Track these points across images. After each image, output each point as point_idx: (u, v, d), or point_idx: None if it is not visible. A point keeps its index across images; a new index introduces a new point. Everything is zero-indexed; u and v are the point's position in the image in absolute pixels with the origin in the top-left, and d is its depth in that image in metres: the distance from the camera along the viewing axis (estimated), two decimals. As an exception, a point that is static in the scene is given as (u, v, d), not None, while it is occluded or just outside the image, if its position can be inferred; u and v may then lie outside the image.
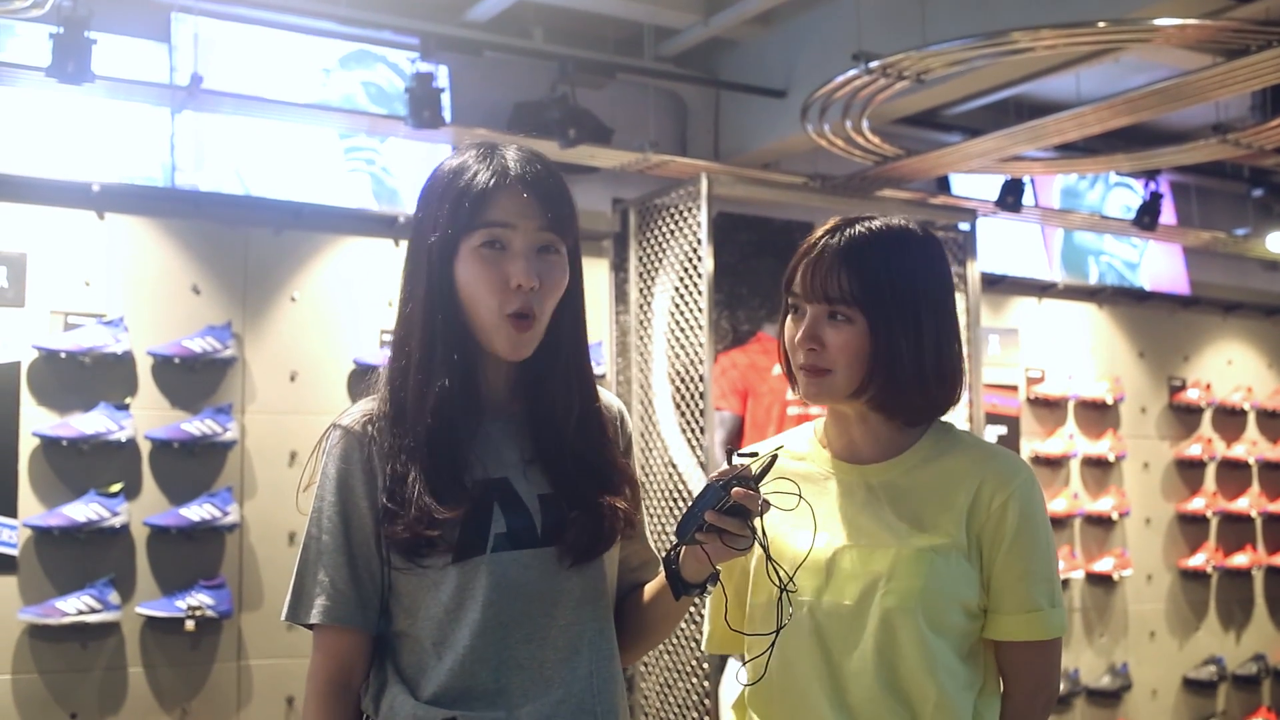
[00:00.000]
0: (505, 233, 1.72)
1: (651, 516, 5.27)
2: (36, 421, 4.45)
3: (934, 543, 1.80)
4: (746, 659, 1.88)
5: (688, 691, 5.08)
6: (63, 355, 4.46)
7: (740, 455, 1.70)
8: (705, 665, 4.94)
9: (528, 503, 1.75)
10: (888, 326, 1.81)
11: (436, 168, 1.80)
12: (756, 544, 1.69)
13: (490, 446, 1.77)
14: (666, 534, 5.20)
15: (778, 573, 1.76)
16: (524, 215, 1.73)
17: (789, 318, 1.89)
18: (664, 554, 1.79)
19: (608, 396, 1.93)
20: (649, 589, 1.89)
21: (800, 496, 1.75)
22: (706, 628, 2.03)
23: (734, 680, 4.78)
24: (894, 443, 1.89)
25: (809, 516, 1.81)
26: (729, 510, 1.65)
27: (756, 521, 1.68)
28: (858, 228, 1.86)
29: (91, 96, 4.53)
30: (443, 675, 1.71)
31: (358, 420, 1.77)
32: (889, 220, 1.89)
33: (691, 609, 4.98)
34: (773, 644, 1.80)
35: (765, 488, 1.67)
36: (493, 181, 1.72)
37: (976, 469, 1.84)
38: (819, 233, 1.88)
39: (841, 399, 1.86)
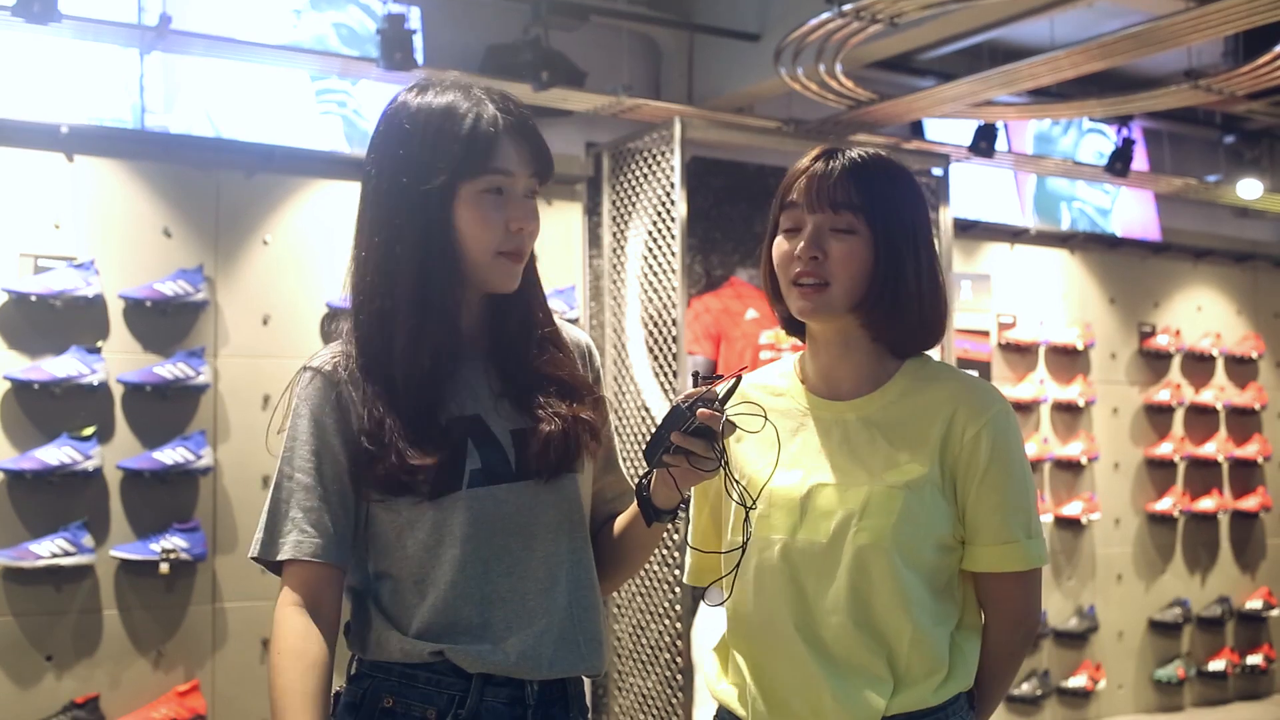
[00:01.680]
0: (506, 180, 1.76)
1: (625, 460, 5.27)
2: (8, 365, 4.43)
3: (907, 478, 1.81)
4: (721, 586, 1.90)
5: (660, 633, 5.13)
6: (33, 299, 4.44)
7: (704, 379, 1.71)
8: (678, 607, 4.99)
9: (500, 438, 1.78)
10: (890, 241, 1.83)
11: (410, 103, 1.78)
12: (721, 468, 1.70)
13: (463, 384, 1.80)
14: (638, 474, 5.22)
15: (739, 491, 1.78)
16: (521, 164, 1.77)
17: (780, 238, 1.88)
18: (635, 482, 1.82)
19: (575, 332, 1.97)
20: (622, 518, 1.92)
21: (765, 419, 1.76)
22: (689, 561, 2.05)
23: (708, 622, 4.83)
24: (872, 376, 1.89)
25: (778, 450, 1.82)
26: (694, 431, 1.66)
27: (728, 447, 1.70)
28: (855, 151, 1.87)
29: (59, 37, 4.48)
30: (426, 612, 1.74)
31: (328, 361, 1.79)
32: (878, 150, 1.91)
33: (665, 552, 5.03)
34: (737, 564, 1.81)
35: (730, 411, 1.69)
36: (496, 130, 1.75)
37: (950, 401, 1.84)
38: (811, 155, 1.88)
39: (839, 314, 1.85)
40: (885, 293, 1.83)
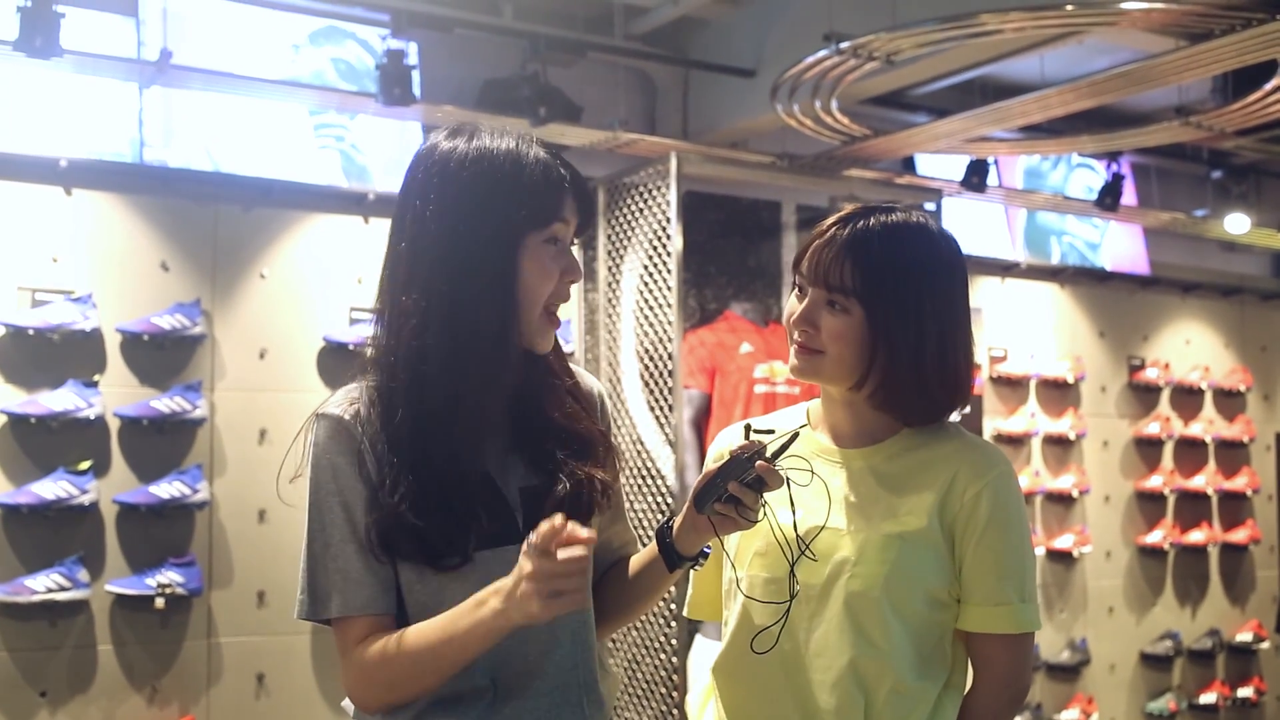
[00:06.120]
0: (564, 229, 1.75)
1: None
2: (4, 398, 4.41)
3: (903, 529, 1.82)
4: (734, 622, 1.91)
5: (656, 666, 5.12)
6: (30, 332, 4.43)
7: (757, 431, 1.73)
8: (674, 641, 4.98)
9: (509, 497, 1.74)
10: (885, 320, 1.82)
11: (464, 150, 1.73)
12: (767, 519, 1.72)
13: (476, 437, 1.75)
14: (636, 511, 5.23)
15: (794, 545, 1.79)
16: (574, 213, 1.76)
17: (793, 294, 1.92)
18: (657, 526, 1.83)
19: (588, 379, 1.94)
20: (635, 562, 1.90)
21: (814, 473, 1.78)
22: (690, 593, 2.06)
23: (704, 656, 4.83)
24: (880, 429, 1.91)
25: (828, 504, 1.84)
26: (748, 483, 1.68)
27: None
28: (871, 220, 1.86)
29: (59, 71, 4.49)
30: None
31: (344, 407, 1.73)
32: (906, 215, 1.88)
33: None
34: (786, 613, 1.82)
35: (778, 464, 1.70)
36: (564, 179, 1.74)
37: (954, 459, 1.85)
38: (834, 218, 1.90)
39: (828, 381, 1.89)
40: (882, 373, 1.84)
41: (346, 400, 1.75)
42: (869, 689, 1.81)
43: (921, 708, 1.83)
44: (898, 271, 1.83)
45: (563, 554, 1.53)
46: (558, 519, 1.54)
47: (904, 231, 1.86)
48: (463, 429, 1.69)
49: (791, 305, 1.91)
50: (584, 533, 1.54)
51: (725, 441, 1.99)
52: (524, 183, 1.71)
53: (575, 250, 1.83)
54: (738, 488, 1.68)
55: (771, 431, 1.72)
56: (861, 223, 1.86)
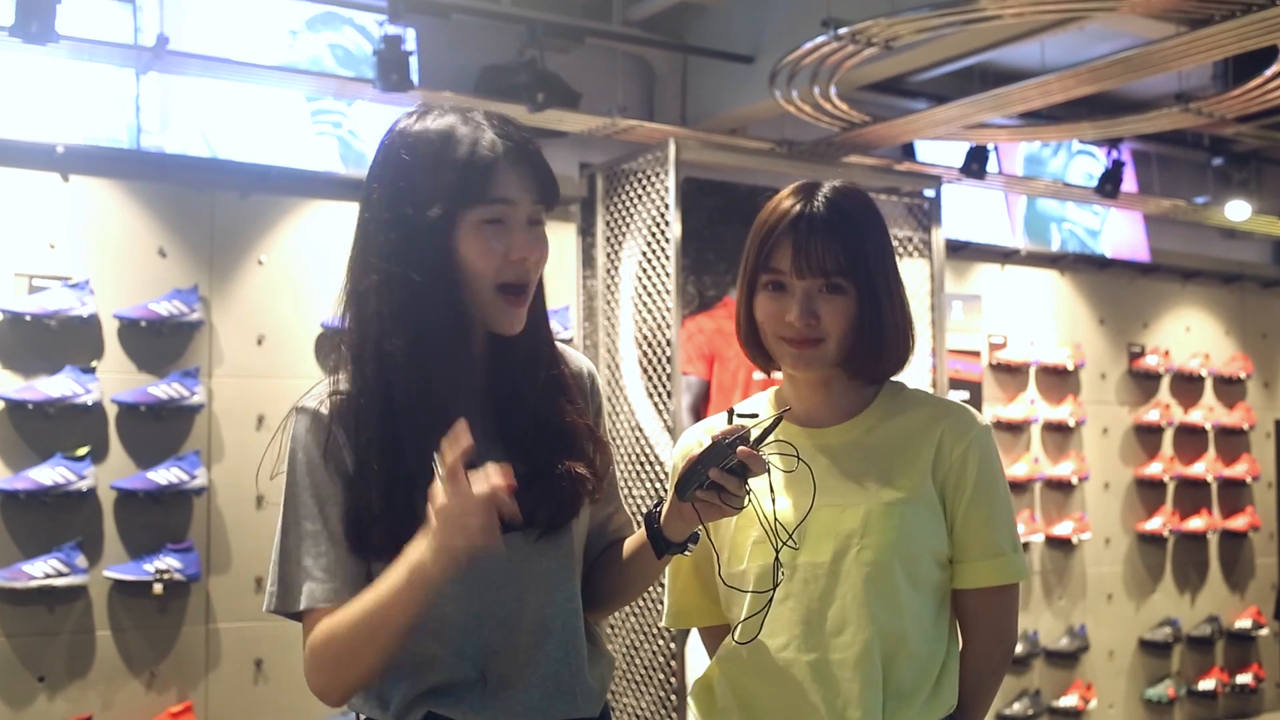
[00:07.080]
0: (507, 209, 1.70)
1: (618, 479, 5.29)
2: (2, 385, 4.42)
3: (902, 495, 1.84)
4: (740, 619, 1.89)
5: (654, 654, 5.13)
6: (28, 318, 4.43)
7: (741, 416, 1.71)
8: (672, 628, 4.98)
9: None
10: (872, 292, 1.87)
11: (408, 131, 1.73)
12: (752, 506, 1.71)
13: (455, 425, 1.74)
14: (633, 498, 5.23)
15: (776, 533, 1.79)
16: (522, 190, 1.70)
17: (764, 294, 1.89)
18: (645, 512, 1.82)
19: (577, 359, 1.91)
20: (627, 546, 1.88)
21: (799, 459, 1.78)
22: (666, 602, 2.05)
23: (700, 646, 4.83)
24: (851, 405, 1.93)
25: (813, 489, 1.83)
26: (730, 469, 1.66)
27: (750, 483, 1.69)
28: (821, 197, 1.89)
29: (56, 57, 4.48)
30: (423, 667, 1.70)
31: (321, 401, 1.72)
32: (844, 185, 1.92)
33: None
34: (769, 604, 1.82)
35: (762, 449, 1.69)
36: (495, 156, 1.69)
37: (935, 422, 1.89)
38: (784, 205, 1.89)
39: (830, 365, 1.89)
40: (869, 342, 1.88)
41: (326, 392, 1.73)
42: (887, 658, 1.82)
43: (931, 669, 1.85)
44: (871, 237, 1.90)
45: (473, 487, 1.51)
46: (463, 443, 1.52)
47: (860, 202, 1.92)
48: (434, 415, 1.64)
49: (768, 306, 1.88)
50: (495, 472, 1.53)
51: (693, 437, 1.97)
52: (449, 161, 1.68)
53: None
54: (719, 474, 1.66)
55: (755, 415, 1.71)
56: (819, 203, 1.88)
